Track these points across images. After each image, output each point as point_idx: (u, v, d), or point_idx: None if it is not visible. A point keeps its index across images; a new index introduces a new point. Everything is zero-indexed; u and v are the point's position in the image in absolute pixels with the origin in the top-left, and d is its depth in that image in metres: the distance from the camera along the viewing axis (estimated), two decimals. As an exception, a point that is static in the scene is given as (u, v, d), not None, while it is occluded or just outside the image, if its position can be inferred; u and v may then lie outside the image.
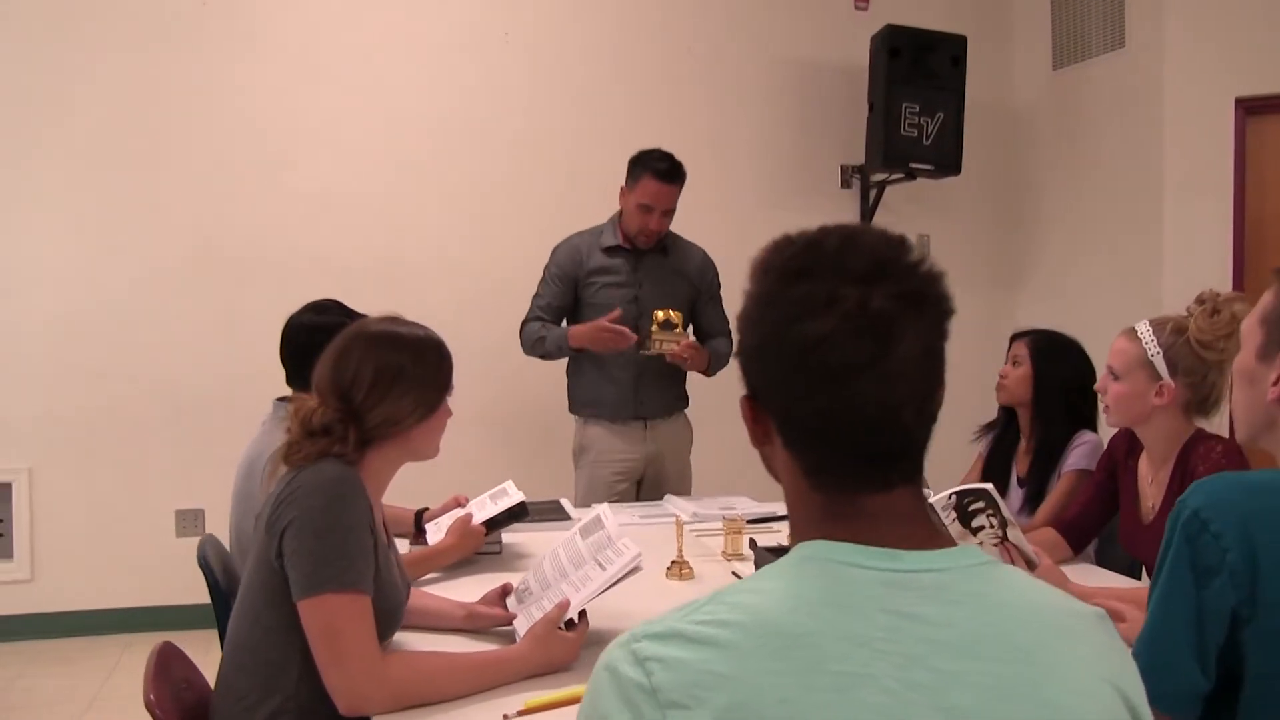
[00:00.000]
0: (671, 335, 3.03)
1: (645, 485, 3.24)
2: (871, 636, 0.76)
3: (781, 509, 2.79)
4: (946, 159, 4.30)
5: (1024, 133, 4.89)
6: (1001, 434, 2.75)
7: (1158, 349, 2.02)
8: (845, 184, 4.76)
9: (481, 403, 3.89)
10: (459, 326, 3.81)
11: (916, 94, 4.24)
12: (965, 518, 2.01)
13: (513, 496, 2.36)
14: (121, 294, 3.84)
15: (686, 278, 3.21)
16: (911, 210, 4.79)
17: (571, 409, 3.29)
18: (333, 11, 4.06)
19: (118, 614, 3.83)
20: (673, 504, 2.92)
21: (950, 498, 2.01)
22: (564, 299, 3.16)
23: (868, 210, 4.73)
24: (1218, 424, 2.11)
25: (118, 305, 3.83)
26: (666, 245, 3.20)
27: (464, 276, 4.22)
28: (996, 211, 4.94)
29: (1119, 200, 4.31)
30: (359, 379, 1.55)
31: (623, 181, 3.17)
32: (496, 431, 4.17)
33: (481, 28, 4.26)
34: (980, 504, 1.99)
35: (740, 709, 0.73)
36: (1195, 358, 2.00)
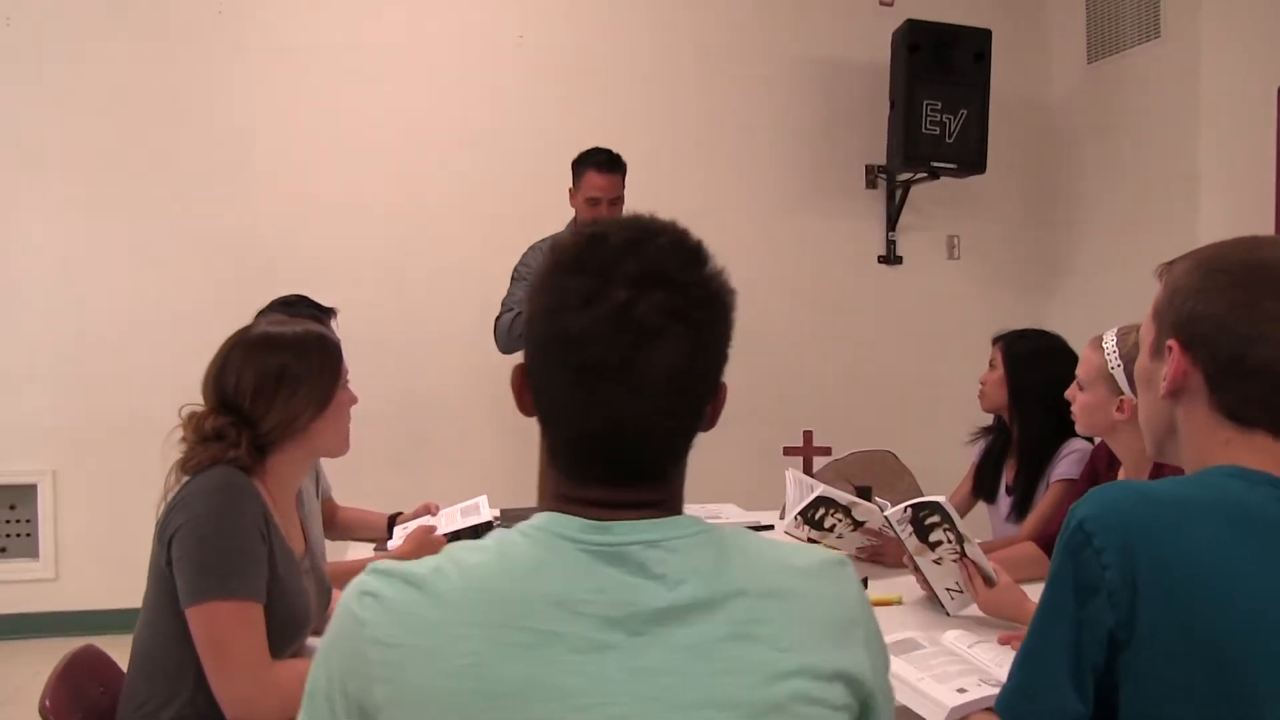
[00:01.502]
0: None
1: None
2: (571, 600, 0.79)
3: (766, 518, 2.73)
4: (970, 157, 4.16)
5: (1056, 129, 4.71)
6: (993, 440, 2.64)
7: (1119, 361, 1.92)
8: (871, 184, 4.65)
9: (497, 408, 3.85)
10: (475, 332, 3.87)
11: (938, 90, 4.12)
12: (922, 532, 1.93)
13: (483, 514, 2.35)
14: (142, 301, 3.93)
15: None
16: (939, 211, 4.66)
17: None
18: (346, 18, 4.11)
19: (138, 613, 3.91)
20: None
21: (906, 511, 1.93)
22: None
23: (894, 211, 4.61)
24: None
25: (138, 312, 3.92)
26: None
27: (480, 280, 4.22)
28: (1028, 211, 4.77)
29: (1155, 197, 4.12)
30: (241, 388, 1.54)
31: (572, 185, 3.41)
32: (508, 437, 4.15)
33: (496, 32, 4.26)
34: (936, 518, 1.90)
35: (432, 654, 0.77)
36: None
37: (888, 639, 1.60)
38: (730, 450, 3.20)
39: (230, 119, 4.01)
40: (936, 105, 4.11)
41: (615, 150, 3.94)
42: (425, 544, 2.17)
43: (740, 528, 0.91)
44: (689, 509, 2.72)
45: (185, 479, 1.52)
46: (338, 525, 2.54)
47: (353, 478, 3.35)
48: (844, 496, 2.21)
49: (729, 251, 3.58)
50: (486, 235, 4.24)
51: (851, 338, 4.62)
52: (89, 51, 3.89)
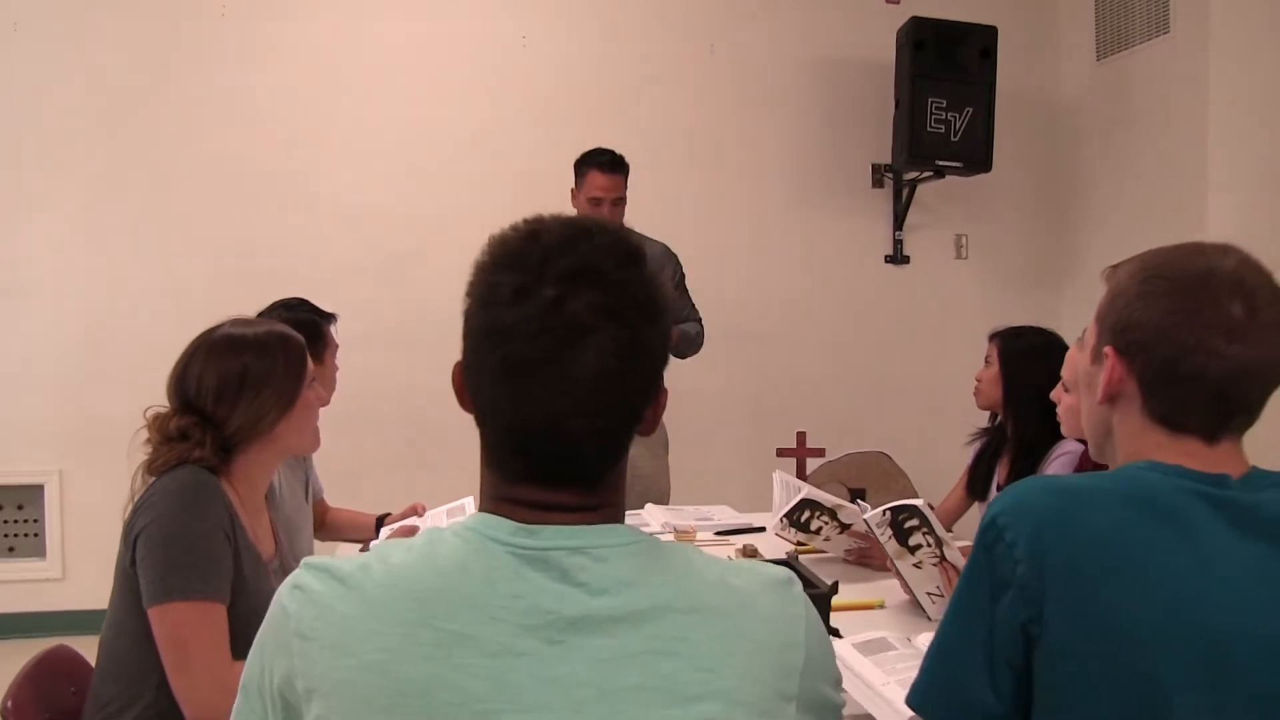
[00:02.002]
0: None
1: None
2: (489, 603, 0.78)
3: (760, 519, 2.71)
4: (976, 155, 4.11)
5: (1065, 126, 4.65)
6: (988, 439, 2.60)
7: None
8: (877, 183, 4.61)
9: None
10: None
11: (943, 88, 4.07)
12: (901, 535, 1.91)
13: (467, 515, 2.35)
14: (148, 302, 3.96)
15: None
16: (946, 210, 4.62)
17: None
18: (349, 20, 4.12)
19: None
20: (649, 513, 2.85)
21: (885, 514, 1.91)
22: None
23: (900, 210, 4.57)
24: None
25: (144, 313, 3.95)
26: None
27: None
28: (1037, 210, 4.71)
29: (1165, 194, 4.06)
30: (203, 390, 1.54)
31: (573, 185, 3.39)
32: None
33: (499, 33, 4.26)
34: (915, 521, 1.88)
35: (345, 648, 0.78)
36: None
37: (862, 638, 1.59)
38: (733, 451, 3.19)
39: (234, 121, 4.04)
40: (941, 103, 4.07)
41: (620, 152, 3.96)
42: (407, 544, 2.17)
43: (686, 544, 0.90)
44: (681, 511, 2.71)
45: (151, 480, 1.52)
46: (328, 526, 2.55)
47: (353, 480, 3.38)
48: (829, 499, 2.19)
49: (735, 252, 3.67)
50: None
51: (858, 338, 4.58)
52: (94, 54, 3.92)
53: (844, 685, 0.93)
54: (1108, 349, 1.06)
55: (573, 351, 0.80)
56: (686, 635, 0.79)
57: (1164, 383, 1.02)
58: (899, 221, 4.60)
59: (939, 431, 3.95)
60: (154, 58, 3.97)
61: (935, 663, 1.02)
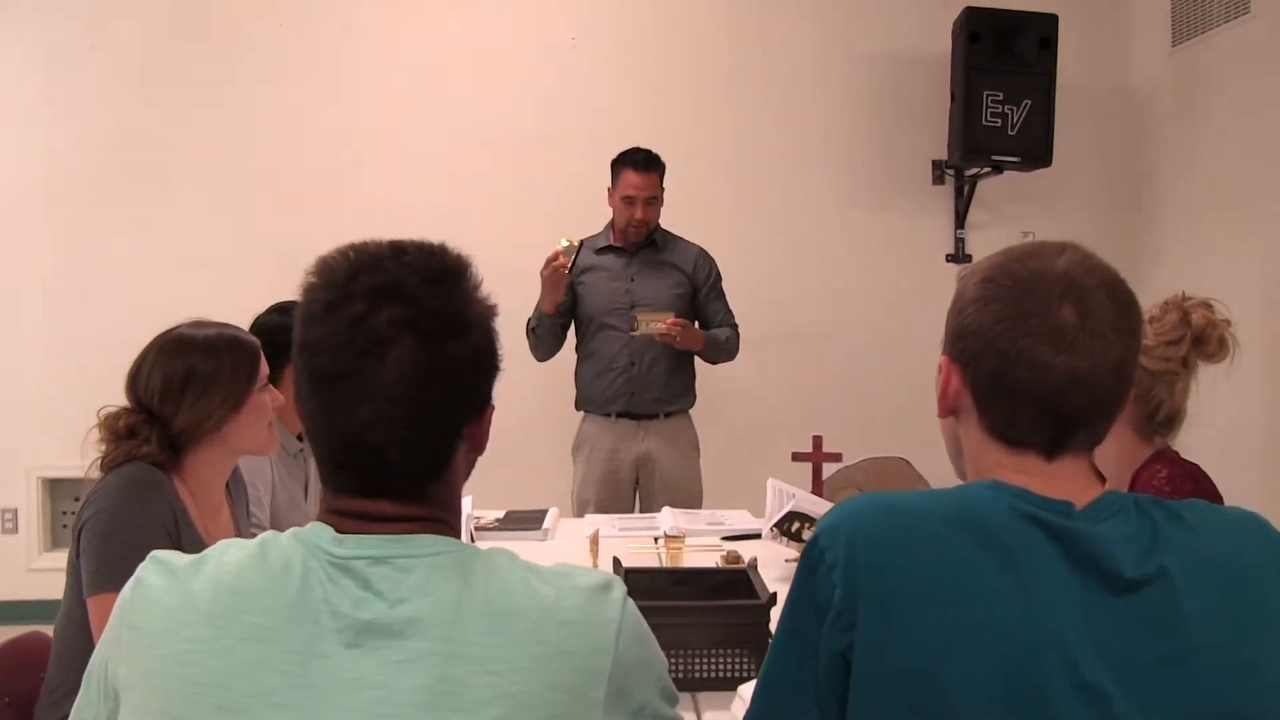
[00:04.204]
0: (656, 315, 3.06)
1: (643, 488, 3.18)
2: (300, 605, 0.82)
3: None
4: (1035, 150, 3.94)
5: (1137, 117, 4.40)
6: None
7: None
8: (938, 180, 4.46)
9: (549, 410, 3.85)
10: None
11: (1000, 80, 3.91)
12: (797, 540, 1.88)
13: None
14: (208, 306, 4.10)
15: (680, 271, 3.25)
16: (1011, 207, 4.43)
17: (575, 405, 3.33)
18: (400, 25, 4.20)
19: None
20: (662, 516, 2.83)
21: (773, 532, 1.88)
22: (565, 301, 3.24)
23: (962, 207, 4.41)
24: (1183, 444, 1.82)
25: (205, 313, 4.11)
26: (659, 242, 3.26)
27: (533, 284, 4.25)
28: (1109, 205, 4.46)
29: (1246, 191, 3.80)
30: (150, 389, 1.59)
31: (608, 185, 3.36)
32: (558, 435, 4.17)
33: (548, 34, 4.29)
34: (797, 525, 1.86)
35: (159, 639, 0.82)
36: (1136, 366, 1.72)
37: None
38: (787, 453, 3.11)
39: (286, 131, 4.17)
40: (998, 96, 3.90)
41: (672, 152, 3.93)
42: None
43: (511, 553, 0.89)
44: (694, 514, 2.67)
45: (101, 475, 1.58)
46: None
47: None
48: (817, 509, 2.14)
49: (790, 252, 3.63)
50: (542, 238, 4.25)
51: (918, 340, 4.40)
52: (161, 70, 4.12)
53: None
54: (942, 358, 0.98)
55: (373, 363, 0.84)
56: (477, 640, 0.81)
57: (993, 395, 0.93)
58: (960, 219, 4.44)
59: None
60: (218, 73, 4.14)
61: (762, 692, 0.95)
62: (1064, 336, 0.90)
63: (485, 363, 0.91)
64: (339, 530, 0.86)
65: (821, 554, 0.90)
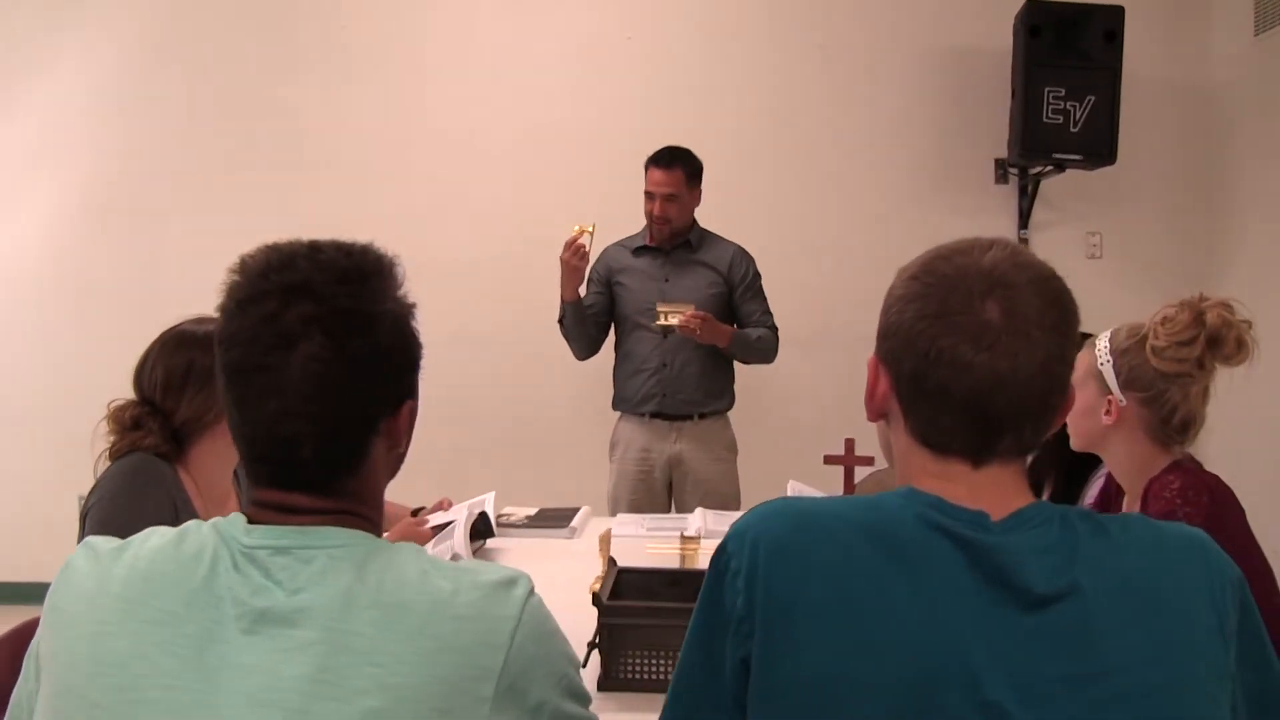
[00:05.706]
0: (676, 307, 3.05)
1: (676, 489, 3.17)
2: (206, 591, 0.84)
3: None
4: (1098, 147, 3.80)
5: (1213, 112, 4.20)
6: (1037, 458, 2.40)
7: (1109, 357, 1.69)
8: (1001, 179, 4.34)
9: (590, 410, 3.85)
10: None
11: (1061, 75, 3.79)
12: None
13: (484, 509, 2.42)
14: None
15: (714, 270, 3.23)
16: (1077, 206, 4.29)
17: (612, 405, 3.35)
18: (466, 25, 4.27)
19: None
20: (692, 517, 2.81)
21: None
22: (601, 300, 3.28)
23: (1025, 206, 4.28)
24: (1201, 451, 1.73)
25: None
26: (693, 242, 3.25)
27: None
28: (1183, 205, 4.28)
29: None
30: (152, 382, 1.65)
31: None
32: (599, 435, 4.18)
33: (604, 33, 4.30)
34: None
35: (73, 620, 0.85)
36: (1148, 368, 1.65)
37: None
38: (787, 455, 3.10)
39: (344, 126, 4.26)
40: (1059, 92, 3.78)
41: (743, 155, 3.89)
42: (409, 536, 2.25)
43: (419, 548, 0.91)
44: (721, 515, 2.68)
45: (108, 466, 1.65)
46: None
47: (458, 470, 3.57)
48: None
49: (854, 251, 3.60)
50: (600, 237, 4.27)
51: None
52: (229, 75, 4.27)
53: None
54: (870, 357, 0.95)
55: (282, 358, 0.87)
56: (363, 631, 0.82)
57: (916, 398, 0.90)
58: (1024, 219, 4.31)
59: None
60: (282, 71, 4.27)
61: (672, 699, 0.93)
62: (985, 335, 0.86)
63: (398, 360, 0.93)
64: (255, 520, 0.89)
65: (728, 560, 0.89)
